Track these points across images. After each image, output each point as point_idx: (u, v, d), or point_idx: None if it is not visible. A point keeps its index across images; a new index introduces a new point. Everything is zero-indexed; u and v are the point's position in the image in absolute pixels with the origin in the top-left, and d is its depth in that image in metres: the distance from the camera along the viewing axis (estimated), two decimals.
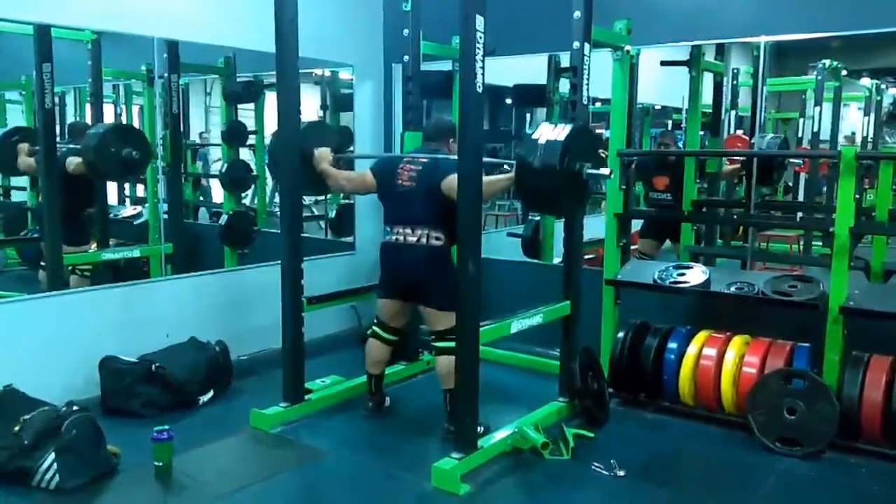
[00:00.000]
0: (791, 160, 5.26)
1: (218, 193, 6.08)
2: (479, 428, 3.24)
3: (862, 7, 3.76)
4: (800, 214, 5.51)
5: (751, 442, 3.39)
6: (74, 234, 4.57)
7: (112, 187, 5.59)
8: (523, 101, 6.92)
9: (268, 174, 5.83)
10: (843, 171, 3.31)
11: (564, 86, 5.15)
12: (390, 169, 3.58)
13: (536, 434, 3.26)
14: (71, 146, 4.58)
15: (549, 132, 3.11)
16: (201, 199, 6.62)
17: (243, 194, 5.96)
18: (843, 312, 3.34)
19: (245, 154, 5.91)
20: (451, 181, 3.22)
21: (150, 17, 4.05)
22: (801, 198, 5.69)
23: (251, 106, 5.82)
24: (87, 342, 3.80)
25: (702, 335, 3.73)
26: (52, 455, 2.86)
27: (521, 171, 3.15)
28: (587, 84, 3.51)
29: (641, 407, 3.90)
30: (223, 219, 5.52)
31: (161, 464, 3.01)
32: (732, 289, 3.66)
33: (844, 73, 5.42)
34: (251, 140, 5.85)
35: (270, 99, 5.41)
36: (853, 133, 6.13)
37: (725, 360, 3.56)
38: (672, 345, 3.73)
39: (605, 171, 3.20)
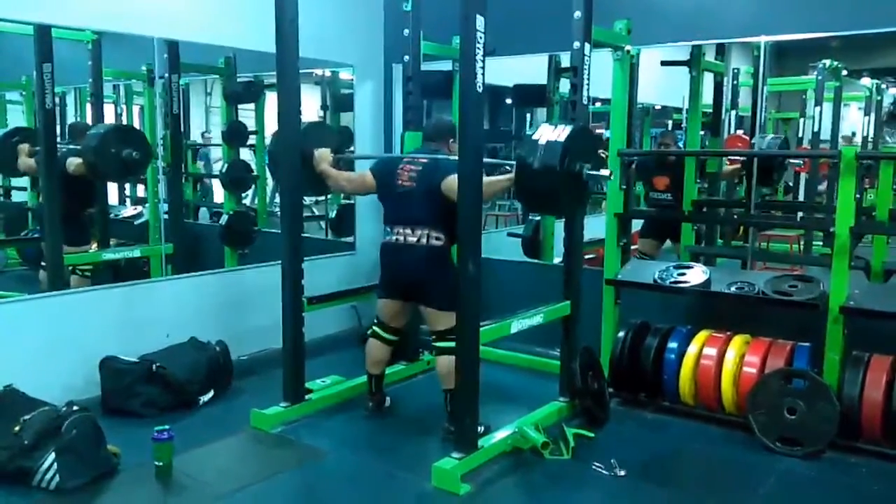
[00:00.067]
0: (791, 160, 5.27)
1: (219, 193, 6.09)
2: (479, 428, 3.24)
3: (862, 7, 3.76)
4: (800, 214, 5.51)
5: (751, 442, 3.39)
6: (75, 234, 4.56)
7: (112, 187, 5.59)
8: (523, 102, 6.90)
9: (268, 174, 5.82)
10: (844, 170, 3.31)
11: (565, 86, 5.14)
12: (390, 169, 3.58)
13: (537, 434, 3.26)
14: (71, 146, 4.58)
15: (550, 133, 3.10)
16: (203, 198, 6.62)
17: (244, 194, 5.96)
18: (843, 312, 3.34)
19: (245, 154, 5.92)
20: (451, 181, 3.22)
21: (150, 18, 4.05)
22: (801, 198, 5.69)
23: (251, 106, 5.82)
24: (87, 342, 3.80)
25: (702, 335, 3.73)
26: (53, 455, 2.86)
27: (521, 172, 3.15)
28: (587, 84, 3.51)
29: (642, 407, 3.90)
30: (223, 219, 5.53)
31: (161, 464, 3.01)
32: (733, 289, 3.65)
33: (844, 72, 5.41)
34: (251, 140, 5.85)
35: (271, 99, 5.42)
36: (853, 133, 6.12)
37: (726, 360, 3.56)
38: (672, 344, 3.73)
39: (604, 172, 3.22)
